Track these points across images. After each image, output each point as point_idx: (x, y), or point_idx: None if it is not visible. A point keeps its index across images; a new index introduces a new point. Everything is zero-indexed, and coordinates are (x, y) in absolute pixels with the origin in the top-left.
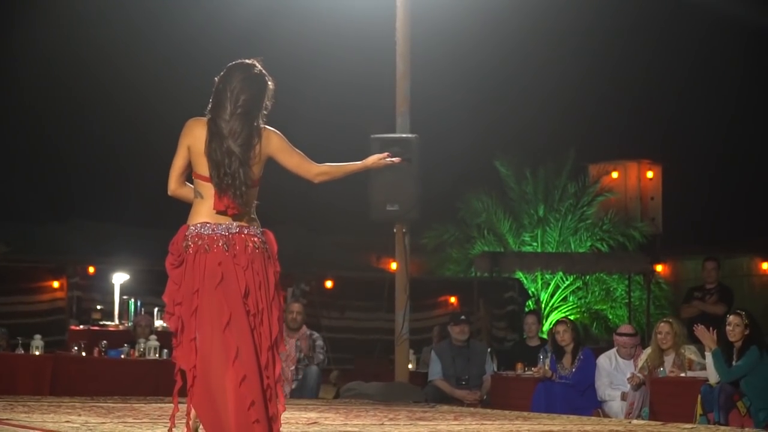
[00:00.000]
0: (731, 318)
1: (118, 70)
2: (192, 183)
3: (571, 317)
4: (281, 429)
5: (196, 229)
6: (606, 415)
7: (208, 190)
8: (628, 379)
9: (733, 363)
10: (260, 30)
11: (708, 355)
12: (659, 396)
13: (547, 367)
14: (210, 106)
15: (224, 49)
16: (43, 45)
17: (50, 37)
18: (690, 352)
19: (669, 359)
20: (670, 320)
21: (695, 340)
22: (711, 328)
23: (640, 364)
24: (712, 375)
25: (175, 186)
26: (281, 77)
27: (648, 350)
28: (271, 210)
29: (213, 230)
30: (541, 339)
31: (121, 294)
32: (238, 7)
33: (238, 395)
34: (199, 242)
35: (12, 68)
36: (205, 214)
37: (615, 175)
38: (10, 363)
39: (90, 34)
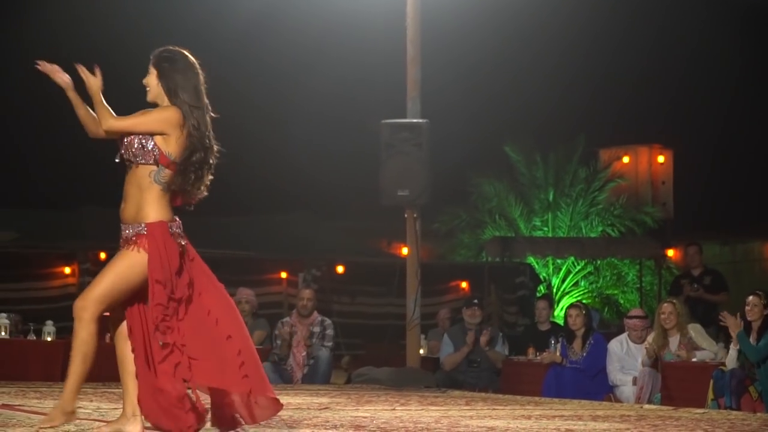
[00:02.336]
0: (751, 298)
1: (132, 56)
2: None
3: (583, 302)
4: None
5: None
6: (617, 400)
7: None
8: (641, 362)
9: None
10: (270, 15)
11: (733, 340)
12: (671, 381)
13: (557, 352)
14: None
15: (232, 35)
16: (56, 28)
17: (64, 21)
18: (696, 331)
19: (674, 340)
20: (673, 300)
21: (697, 320)
22: (737, 314)
23: (646, 345)
24: (731, 360)
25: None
26: (291, 61)
27: (653, 333)
28: (282, 196)
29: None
30: (552, 324)
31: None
32: None
33: None
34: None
35: (23, 49)
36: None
37: (626, 159)
38: (21, 349)
39: (106, 22)
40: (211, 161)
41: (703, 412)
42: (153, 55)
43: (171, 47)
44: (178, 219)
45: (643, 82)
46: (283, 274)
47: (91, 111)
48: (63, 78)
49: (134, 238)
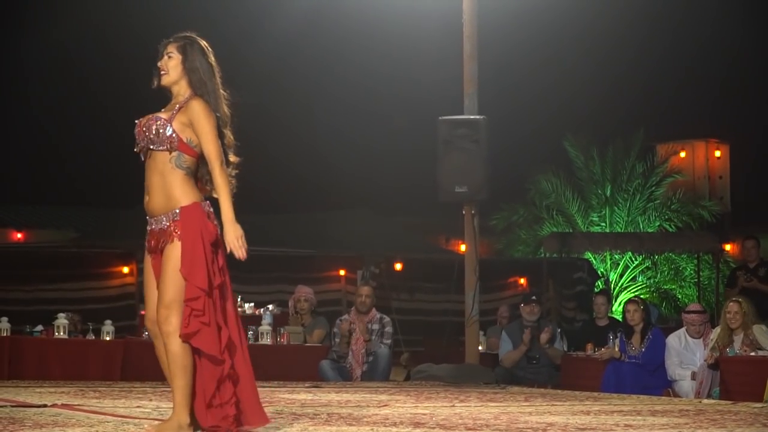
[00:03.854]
0: None
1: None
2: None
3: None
4: None
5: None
6: (676, 395)
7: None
8: (704, 359)
9: None
10: (326, 12)
11: None
12: (729, 375)
13: (616, 348)
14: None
15: (287, 31)
16: (101, 26)
17: (108, 18)
18: (760, 332)
19: (738, 338)
20: (739, 300)
21: (764, 319)
22: None
23: (710, 344)
24: None
25: None
26: (347, 61)
27: (717, 330)
28: (340, 194)
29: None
30: (611, 319)
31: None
32: None
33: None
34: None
35: (71, 50)
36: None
37: (683, 154)
38: (81, 348)
39: (151, 13)
40: (227, 151)
41: (762, 406)
42: (175, 39)
43: (192, 34)
44: (208, 201)
45: (700, 76)
46: (342, 272)
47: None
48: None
49: (171, 228)
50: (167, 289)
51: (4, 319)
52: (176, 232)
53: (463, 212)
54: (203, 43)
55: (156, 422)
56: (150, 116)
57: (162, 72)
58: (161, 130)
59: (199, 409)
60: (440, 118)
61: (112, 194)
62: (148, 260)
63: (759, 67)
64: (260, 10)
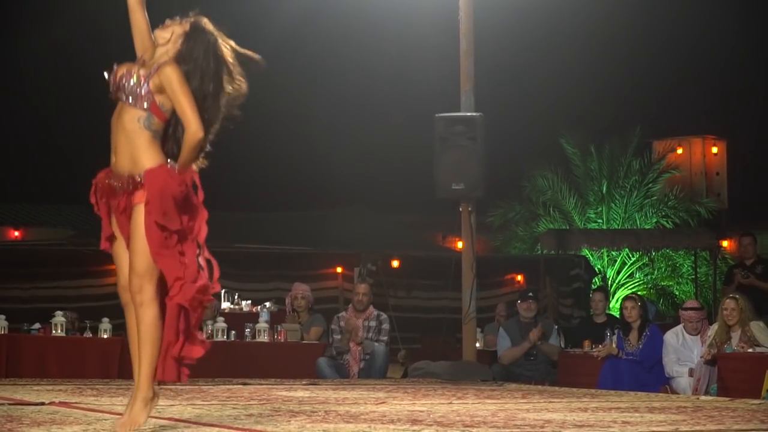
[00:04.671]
0: None
1: None
2: None
3: (638, 294)
4: None
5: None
6: (674, 392)
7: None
8: (702, 356)
9: None
10: (322, 10)
11: None
12: (727, 372)
13: (613, 344)
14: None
15: (283, 28)
16: (99, 23)
17: (105, 15)
18: (757, 329)
19: (736, 335)
20: (736, 296)
21: (761, 316)
22: None
23: (707, 341)
24: None
25: None
26: (344, 54)
27: (715, 327)
28: (337, 191)
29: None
30: (608, 316)
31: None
32: None
33: None
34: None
35: (68, 48)
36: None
37: (680, 151)
38: (78, 346)
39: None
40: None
41: (760, 403)
42: (195, 17)
43: (210, 24)
44: (173, 162)
45: (696, 73)
46: (339, 269)
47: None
48: None
49: (138, 191)
50: (138, 258)
51: (2, 317)
52: (141, 195)
53: (460, 209)
54: (214, 34)
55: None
56: (129, 67)
57: (166, 26)
58: (136, 88)
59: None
60: (437, 115)
61: None
62: (114, 222)
63: (756, 64)
64: (257, 6)
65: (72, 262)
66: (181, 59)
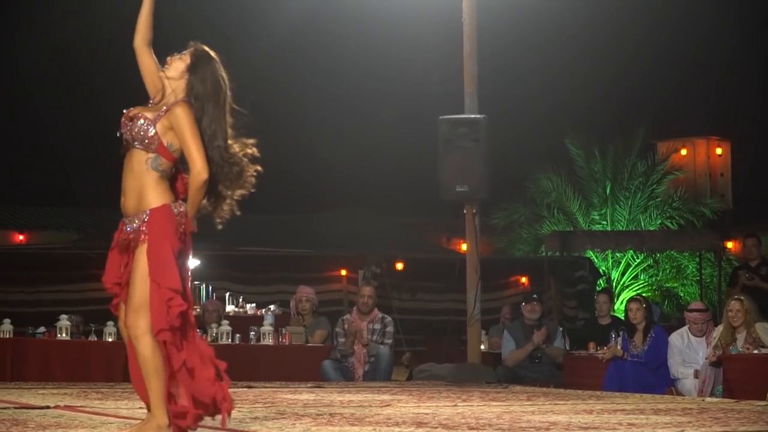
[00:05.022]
0: None
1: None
2: None
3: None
4: None
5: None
6: (679, 393)
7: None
8: (707, 357)
9: None
10: (326, 9)
11: None
12: (732, 373)
13: (618, 346)
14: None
15: (282, 29)
16: (102, 25)
17: (108, 17)
18: (762, 330)
19: (741, 337)
20: (741, 297)
21: (766, 317)
22: None
23: (712, 342)
24: None
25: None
26: (346, 57)
27: (720, 328)
28: (340, 194)
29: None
30: (613, 318)
31: (192, 279)
32: None
33: None
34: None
35: (72, 51)
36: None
37: (684, 152)
38: (83, 350)
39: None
40: (224, 165)
41: (765, 404)
42: (194, 47)
43: (210, 50)
44: (181, 202)
45: (700, 74)
46: (343, 272)
47: (149, 17)
48: None
49: (141, 229)
50: (135, 293)
51: (7, 321)
52: (144, 235)
53: (464, 211)
54: (218, 63)
55: (134, 422)
56: (137, 111)
57: (166, 65)
58: (143, 131)
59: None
60: (441, 117)
61: (112, 195)
62: (110, 255)
63: (759, 65)
64: (257, 7)
65: (76, 266)
66: (191, 96)
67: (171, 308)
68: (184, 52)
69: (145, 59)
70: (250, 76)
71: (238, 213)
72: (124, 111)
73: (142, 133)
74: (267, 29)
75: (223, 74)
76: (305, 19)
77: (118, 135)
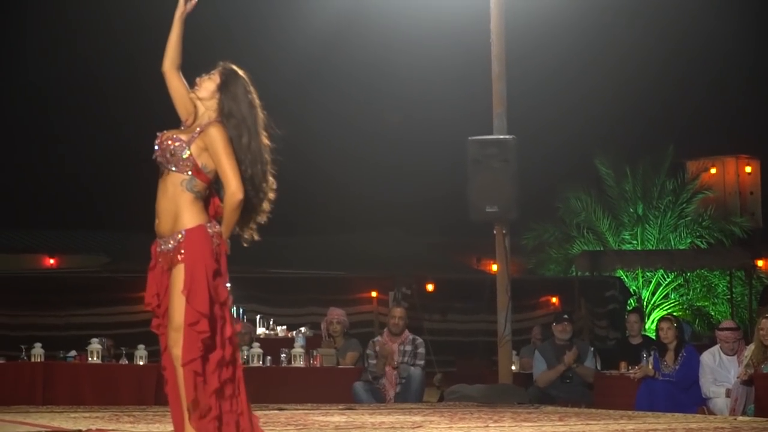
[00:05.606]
0: None
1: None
2: None
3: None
4: None
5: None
6: (711, 413)
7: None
8: (738, 376)
9: None
10: (349, 33)
11: None
12: (764, 392)
13: (650, 366)
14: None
15: (311, 50)
16: (129, 51)
17: (133, 40)
18: None
19: None
20: None
21: None
22: None
23: (744, 361)
24: None
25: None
26: (375, 78)
27: (751, 347)
28: (371, 214)
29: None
30: (644, 337)
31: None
32: (323, 9)
33: None
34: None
35: (95, 68)
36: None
37: (713, 171)
38: (114, 373)
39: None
40: (260, 184)
41: None
42: (223, 66)
43: (238, 68)
44: (216, 222)
45: (729, 92)
46: (374, 293)
47: (179, 41)
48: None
49: (176, 250)
50: (175, 313)
51: (38, 344)
52: (180, 255)
53: (494, 232)
54: (246, 80)
55: None
56: (171, 134)
57: (196, 86)
58: (178, 152)
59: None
60: (470, 138)
61: (142, 219)
62: (150, 275)
63: None
64: (283, 28)
65: (107, 289)
66: (223, 115)
67: (198, 334)
68: (213, 72)
69: (175, 82)
70: (271, 104)
71: (257, 238)
72: (158, 134)
73: (176, 155)
74: (288, 54)
75: (253, 92)
76: (327, 45)
77: (153, 157)
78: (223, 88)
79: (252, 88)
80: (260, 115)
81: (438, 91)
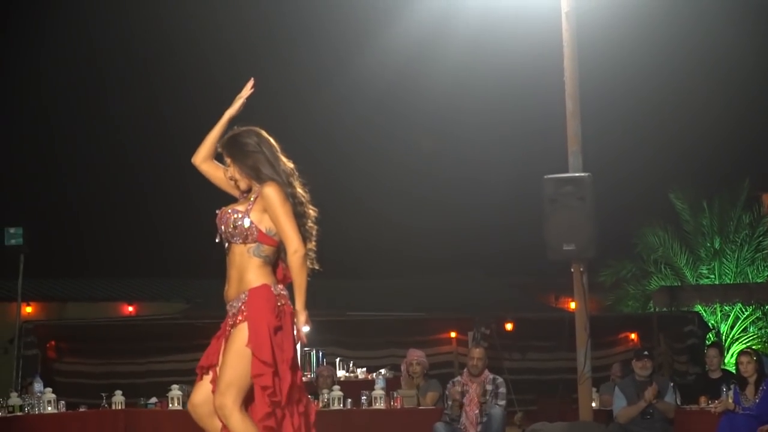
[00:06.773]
0: None
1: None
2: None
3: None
4: None
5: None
6: None
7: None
8: None
9: None
10: (420, 68)
11: None
12: None
13: (730, 400)
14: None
15: (385, 85)
16: (199, 100)
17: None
18: None
19: None
20: None
21: None
22: None
23: None
24: None
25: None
26: (448, 117)
27: None
28: (447, 256)
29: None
30: (724, 371)
31: (302, 345)
32: (396, 41)
33: None
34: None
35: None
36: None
37: None
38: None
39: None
40: (308, 222)
41: None
42: (221, 145)
43: (234, 130)
44: (282, 286)
45: None
46: (453, 334)
47: (217, 140)
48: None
49: (242, 307)
50: (226, 371)
51: (118, 392)
52: (243, 313)
53: (572, 270)
54: (245, 132)
55: None
56: (227, 209)
57: (234, 181)
58: (239, 223)
59: None
60: (545, 176)
61: (219, 265)
62: (213, 341)
63: None
64: (322, 82)
65: (186, 336)
66: (252, 173)
67: (263, 389)
68: (225, 158)
69: (210, 171)
70: (329, 149)
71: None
72: (216, 212)
73: (237, 227)
74: (348, 102)
75: (264, 133)
76: (388, 90)
77: (217, 240)
78: (231, 154)
79: (256, 130)
80: (276, 147)
81: (513, 130)
